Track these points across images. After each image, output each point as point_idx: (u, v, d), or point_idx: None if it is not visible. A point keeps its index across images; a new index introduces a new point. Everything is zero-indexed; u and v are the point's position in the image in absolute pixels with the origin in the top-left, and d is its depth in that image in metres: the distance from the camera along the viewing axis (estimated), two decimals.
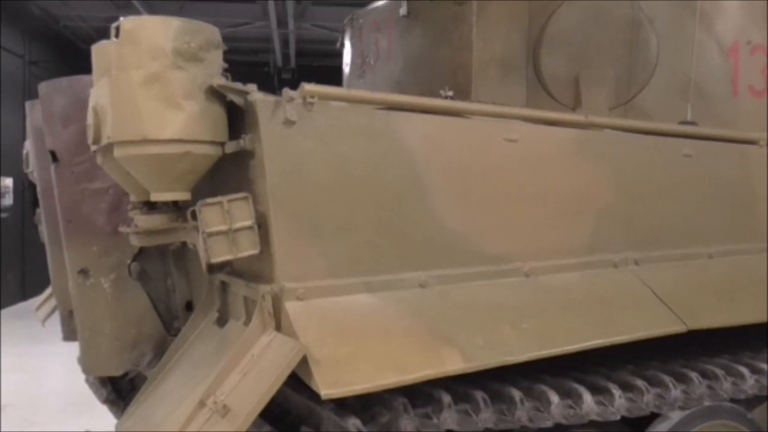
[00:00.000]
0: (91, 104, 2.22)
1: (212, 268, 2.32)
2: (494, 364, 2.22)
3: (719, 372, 2.87)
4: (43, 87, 2.94)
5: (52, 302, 4.43)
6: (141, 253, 2.92)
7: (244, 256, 2.10)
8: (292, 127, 2.15)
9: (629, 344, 2.57)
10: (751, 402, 2.99)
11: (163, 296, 3.02)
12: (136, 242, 2.47)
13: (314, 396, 2.21)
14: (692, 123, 3.25)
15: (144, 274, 2.96)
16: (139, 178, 2.16)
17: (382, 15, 3.99)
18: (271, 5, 10.77)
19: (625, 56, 3.43)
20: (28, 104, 3.52)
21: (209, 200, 2.06)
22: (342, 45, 4.61)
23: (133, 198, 2.40)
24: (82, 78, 2.90)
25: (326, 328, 2.10)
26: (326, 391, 1.94)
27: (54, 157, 2.92)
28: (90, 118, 2.20)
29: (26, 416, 5.73)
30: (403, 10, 3.76)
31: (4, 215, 11.47)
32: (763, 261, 3.13)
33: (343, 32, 4.61)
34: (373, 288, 2.25)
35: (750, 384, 2.91)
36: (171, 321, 3.03)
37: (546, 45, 3.37)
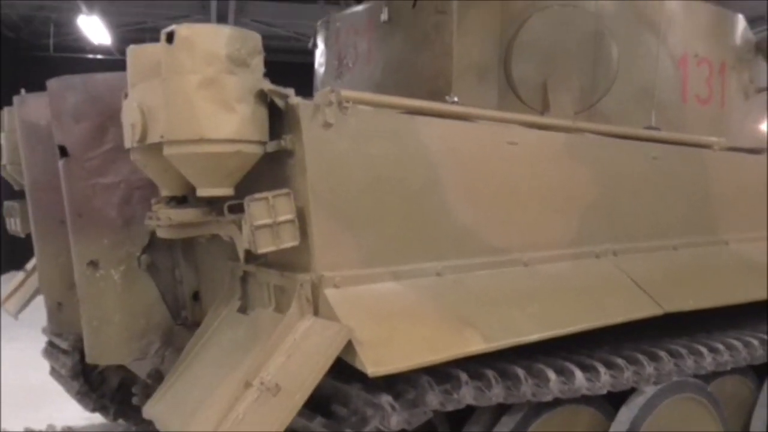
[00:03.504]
0: (134, 104, 2.34)
1: (249, 258, 2.49)
2: (511, 344, 2.47)
3: (683, 351, 3.21)
4: (53, 83, 3.00)
5: (23, 295, 4.43)
6: (150, 245, 3.03)
7: (286, 247, 2.28)
8: (330, 129, 2.33)
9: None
10: (708, 377, 3.35)
11: (171, 287, 3.13)
12: (165, 235, 2.59)
13: (340, 376, 2.41)
14: (656, 128, 3.60)
15: (153, 266, 3.07)
16: (189, 175, 2.29)
17: (361, 19, 4.18)
18: (212, 3, 10.75)
19: (589, 64, 3.74)
20: (16, 99, 3.55)
21: (256, 196, 2.22)
22: (315, 45, 4.78)
23: (165, 193, 2.53)
24: (95, 76, 2.98)
25: (363, 313, 2.29)
26: (373, 369, 2.13)
27: (63, 152, 2.99)
28: (135, 117, 2.32)
29: None
30: (384, 16, 3.96)
31: None
32: (716, 252, 3.51)
33: (315, 33, 4.78)
34: (398, 276, 2.46)
35: (708, 361, 3.26)
36: (178, 311, 3.15)
37: (516, 52, 3.65)
